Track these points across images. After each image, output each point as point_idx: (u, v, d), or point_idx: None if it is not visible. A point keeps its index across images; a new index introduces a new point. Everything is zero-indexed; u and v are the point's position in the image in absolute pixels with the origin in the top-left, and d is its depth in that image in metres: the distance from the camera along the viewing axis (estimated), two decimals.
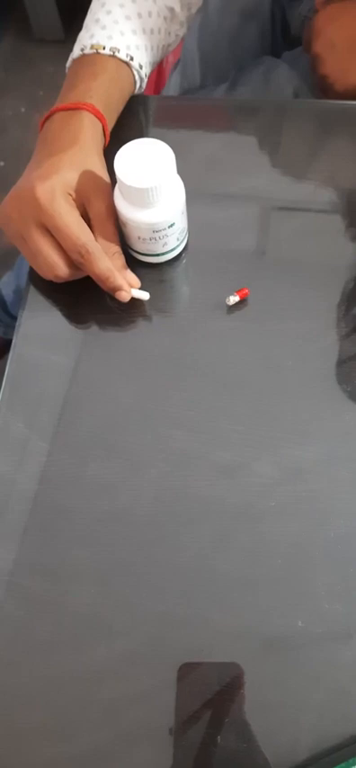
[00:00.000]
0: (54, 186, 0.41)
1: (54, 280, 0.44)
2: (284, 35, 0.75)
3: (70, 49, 0.51)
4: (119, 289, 0.43)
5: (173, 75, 0.79)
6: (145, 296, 0.45)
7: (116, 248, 0.44)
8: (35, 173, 0.42)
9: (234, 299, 0.45)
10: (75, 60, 0.50)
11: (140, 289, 0.45)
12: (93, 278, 0.43)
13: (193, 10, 0.60)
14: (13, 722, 0.34)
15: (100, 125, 0.46)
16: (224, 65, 0.75)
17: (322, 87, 0.62)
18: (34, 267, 0.45)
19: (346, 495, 0.39)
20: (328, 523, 0.38)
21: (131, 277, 0.45)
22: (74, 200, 0.43)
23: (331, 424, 0.41)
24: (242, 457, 0.40)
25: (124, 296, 0.44)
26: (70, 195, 0.42)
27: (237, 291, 0.45)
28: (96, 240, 0.43)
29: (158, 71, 0.80)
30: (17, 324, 0.46)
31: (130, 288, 0.44)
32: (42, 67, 1.60)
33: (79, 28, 0.52)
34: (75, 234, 0.41)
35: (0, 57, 1.64)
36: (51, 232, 0.42)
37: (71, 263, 0.43)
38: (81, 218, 0.43)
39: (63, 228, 0.41)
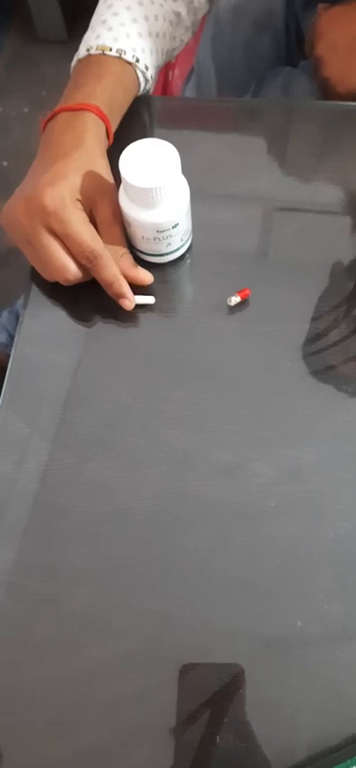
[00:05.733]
0: (63, 193, 0.41)
1: (63, 283, 0.44)
2: (299, 44, 0.75)
3: (73, 50, 0.51)
4: (122, 296, 0.44)
5: (187, 88, 0.79)
6: (150, 300, 0.45)
7: (123, 250, 0.45)
8: (42, 178, 0.42)
9: (235, 299, 0.45)
10: (80, 60, 0.50)
11: (144, 288, 0.45)
12: (100, 282, 0.44)
13: (199, 15, 0.61)
14: (13, 721, 0.34)
15: (104, 127, 0.47)
16: (240, 76, 0.75)
17: (324, 89, 0.62)
18: (40, 271, 0.45)
19: (346, 495, 0.39)
20: (328, 524, 0.38)
21: (144, 273, 0.45)
22: (81, 204, 0.43)
23: (331, 424, 0.41)
24: (242, 457, 0.40)
25: (127, 304, 0.44)
26: (78, 200, 0.43)
27: (239, 292, 0.45)
28: (103, 243, 0.43)
29: (164, 83, 0.80)
30: (19, 323, 0.46)
31: (134, 296, 0.45)
32: (45, 68, 1.60)
33: (82, 28, 0.52)
34: (85, 240, 0.42)
35: (3, 57, 1.64)
36: (61, 238, 0.42)
37: (80, 265, 0.43)
38: (89, 223, 0.43)
39: (73, 235, 0.41)
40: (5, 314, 0.96)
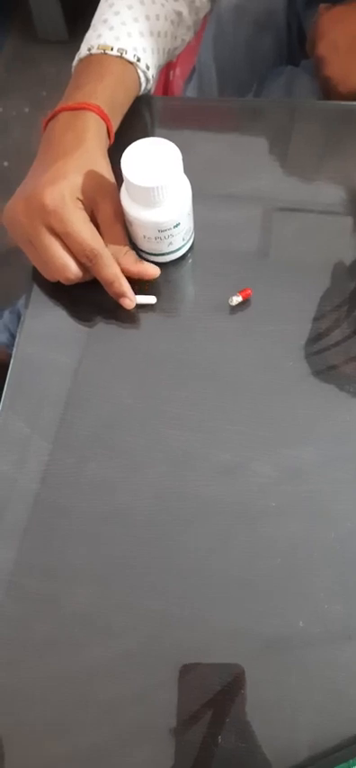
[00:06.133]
0: (63, 192, 0.41)
1: (64, 282, 0.44)
2: (300, 43, 0.75)
3: (74, 50, 0.51)
4: (123, 295, 0.44)
5: (189, 88, 0.79)
6: (151, 300, 0.45)
7: (126, 248, 0.45)
8: (43, 177, 0.42)
9: (236, 299, 0.45)
10: (81, 60, 0.50)
11: (145, 288, 0.45)
12: (100, 281, 0.44)
13: (201, 15, 0.61)
14: (13, 721, 0.34)
15: (104, 126, 0.47)
16: (242, 75, 0.75)
17: (325, 89, 0.62)
18: (41, 271, 0.45)
19: (346, 495, 0.39)
20: (328, 524, 0.38)
21: (151, 268, 0.45)
22: (82, 203, 0.43)
23: (331, 424, 0.41)
24: (242, 457, 0.40)
25: (128, 303, 0.44)
26: (78, 199, 0.43)
27: (240, 292, 0.45)
28: (106, 243, 0.43)
29: (165, 83, 0.80)
30: (20, 323, 0.46)
31: (135, 296, 0.45)
32: (46, 68, 1.60)
33: (83, 28, 0.52)
34: (85, 239, 0.42)
35: (3, 57, 1.64)
36: (61, 237, 0.42)
37: (80, 264, 0.43)
38: (90, 222, 0.43)
39: (73, 234, 0.41)
40: (7, 314, 0.96)
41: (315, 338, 0.44)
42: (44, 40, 1.64)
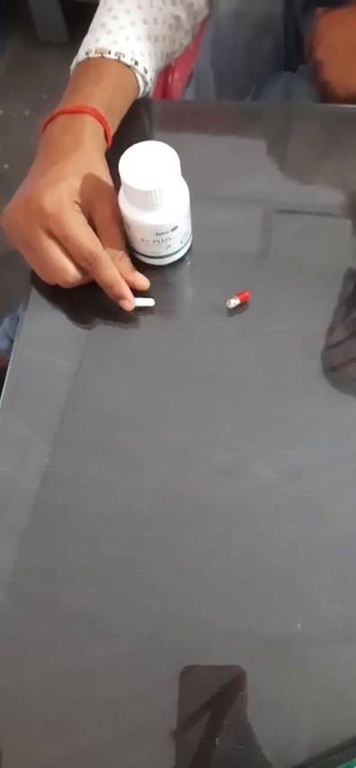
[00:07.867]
0: (61, 195, 0.42)
1: (62, 285, 0.44)
2: (298, 48, 0.75)
3: (74, 52, 0.51)
4: (122, 297, 0.44)
5: (187, 92, 0.79)
6: (150, 303, 0.46)
7: (121, 253, 0.45)
8: (41, 180, 0.42)
9: (234, 301, 0.45)
10: (79, 63, 0.50)
11: (144, 291, 0.45)
12: (99, 284, 0.44)
13: (199, 19, 0.61)
14: (13, 721, 0.34)
15: (102, 129, 0.47)
16: (240, 80, 0.75)
17: (324, 93, 0.62)
18: (39, 273, 0.45)
19: (346, 495, 0.39)
20: (328, 524, 0.38)
21: (140, 278, 0.45)
22: (80, 206, 0.43)
23: (331, 425, 0.41)
24: (242, 457, 0.40)
25: (127, 305, 0.45)
26: (76, 202, 0.43)
27: (238, 294, 0.45)
28: (103, 246, 0.43)
29: (163, 87, 0.80)
30: (19, 325, 0.46)
31: (134, 298, 0.45)
32: (46, 70, 1.60)
33: (83, 31, 0.53)
34: (83, 242, 0.42)
35: (4, 59, 1.64)
36: (59, 240, 0.42)
37: (79, 267, 0.43)
38: (88, 225, 0.43)
39: (71, 237, 0.42)
40: (7, 321, 0.96)
41: (314, 339, 0.44)
42: (45, 43, 1.64)
